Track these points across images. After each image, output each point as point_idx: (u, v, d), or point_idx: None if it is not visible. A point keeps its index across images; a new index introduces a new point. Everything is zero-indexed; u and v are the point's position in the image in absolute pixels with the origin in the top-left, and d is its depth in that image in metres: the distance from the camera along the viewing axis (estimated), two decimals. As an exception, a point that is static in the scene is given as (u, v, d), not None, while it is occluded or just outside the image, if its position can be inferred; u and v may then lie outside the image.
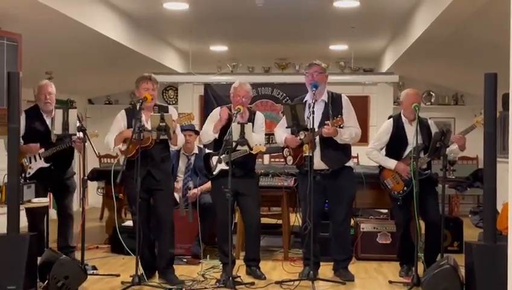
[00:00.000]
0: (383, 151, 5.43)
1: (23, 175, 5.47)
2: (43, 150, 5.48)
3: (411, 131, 5.14)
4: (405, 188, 5.18)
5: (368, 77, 9.98)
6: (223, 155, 4.88)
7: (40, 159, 5.50)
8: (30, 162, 5.52)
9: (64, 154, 5.50)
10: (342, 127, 4.96)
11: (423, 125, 5.24)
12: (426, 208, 5.15)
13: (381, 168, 5.42)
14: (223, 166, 4.94)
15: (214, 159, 5.04)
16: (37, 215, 5.47)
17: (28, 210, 5.34)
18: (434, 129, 5.26)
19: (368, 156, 5.47)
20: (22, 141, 5.48)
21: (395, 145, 5.32)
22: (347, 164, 5.18)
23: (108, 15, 6.77)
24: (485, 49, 6.64)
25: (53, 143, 5.44)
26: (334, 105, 5.11)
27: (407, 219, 5.28)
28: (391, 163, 5.28)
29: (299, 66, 10.56)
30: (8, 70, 4.86)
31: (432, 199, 5.20)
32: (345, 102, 5.18)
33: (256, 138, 5.02)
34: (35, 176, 5.47)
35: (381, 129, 5.52)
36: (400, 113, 5.40)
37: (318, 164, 5.01)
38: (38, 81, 7.15)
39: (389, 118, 5.60)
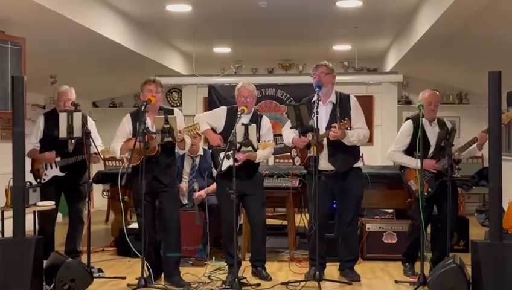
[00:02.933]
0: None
1: (38, 181, 5.52)
2: (59, 159, 5.51)
3: (431, 132, 5.13)
4: (429, 189, 5.13)
5: (372, 77, 9.97)
6: (231, 151, 4.89)
7: (56, 167, 5.53)
8: (46, 169, 5.56)
9: (79, 163, 5.53)
10: (349, 129, 4.94)
11: (443, 126, 5.21)
12: (444, 209, 5.08)
13: (404, 170, 5.36)
14: (230, 162, 4.91)
15: (222, 155, 4.98)
16: (46, 219, 5.51)
17: (38, 214, 5.37)
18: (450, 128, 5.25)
19: (392, 159, 5.41)
20: (38, 144, 5.54)
21: (415, 146, 5.07)
22: (355, 165, 5.17)
23: (111, 18, 6.79)
24: (489, 47, 6.62)
25: (70, 153, 5.47)
26: (342, 106, 5.09)
27: (427, 220, 5.23)
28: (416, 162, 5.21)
29: (302, 67, 10.57)
30: (13, 74, 4.87)
31: (453, 200, 5.04)
32: (354, 103, 5.15)
33: (262, 154, 5.09)
34: (49, 182, 5.51)
35: (401, 131, 5.44)
36: (419, 114, 5.34)
37: (325, 165, 5.01)
38: (43, 84, 7.21)
39: (406, 119, 5.50)
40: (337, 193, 5.13)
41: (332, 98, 5.13)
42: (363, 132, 5.09)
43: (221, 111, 5.30)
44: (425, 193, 5.16)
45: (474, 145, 5.14)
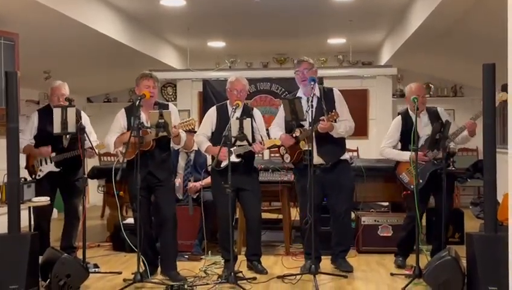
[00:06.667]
0: (398, 147, 5.44)
1: (33, 177, 5.51)
2: (54, 154, 5.49)
3: (420, 123, 5.16)
4: (420, 180, 5.16)
5: (367, 70, 9.97)
6: (234, 148, 4.89)
7: (51, 162, 5.52)
8: (41, 165, 5.54)
9: (74, 158, 5.51)
10: (336, 121, 4.99)
11: (433, 115, 5.25)
12: (441, 200, 5.10)
13: (396, 163, 5.43)
14: (232, 158, 4.90)
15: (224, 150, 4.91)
16: (41, 215, 5.49)
17: (33, 210, 5.36)
18: (444, 116, 5.29)
19: (382, 154, 5.50)
20: (33, 141, 5.53)
21: (407, 140, 5.19)
22: (343, 157, 5.22)
23: (105, 13, 6.77)
24: (483, 40, 6.63)
25: (65, 148, 5.46)
26: (326, 100, 5.13)
27: (422, 212, 5.27)
28: (406, 155, 5.23)
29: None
30: (6, 70, 4.85)
31: (448, 192, 5.08)
32: (337, 96, 5.21)
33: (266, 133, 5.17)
34: (44, 178, 5.50)
35: (391, 127, 5.53)
36: (407, 108, 5.42)
37: (315, 159, 5.03)
38: (37, 80, 7.18)
39: (398, 114, 5.61)
40: (327, 186, 5.15)
41: (316, 92, 5.14)
42: (349, 123, 5.17)
43: (211, 112, 5.31)
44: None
45: (466, 132, 5.16)
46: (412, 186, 5.25)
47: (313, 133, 4.97)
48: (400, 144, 5.45)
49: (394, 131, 5.45)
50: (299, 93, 5.17)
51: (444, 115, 5.32)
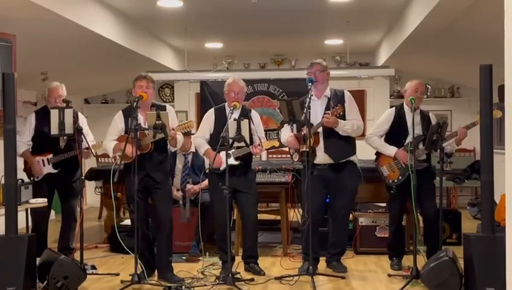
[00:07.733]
0: (382, 139, 5.45)
1: (31, 179, 5.51)
2: (51, 155, 5.50)
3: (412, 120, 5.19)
4: (400, 177, 5.21)
5: (364, 71, 9.95)
6: (233, 150, 4.89)
7: (49, 164, 5.52)
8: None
9: (71, 159, 5.51)
10: (343, 117, 4.99)
11: (424, 117, 5.27)
12: (421, 202, 5.15)
13: (378, 155, 5.45)
14: (231, 161, 4.90)
15: (222, 154, 4.89)
16: (39, 216, 5.48)
17: (31, 211, 5.35)
18: (434, 122, 5.29)
19: (368, 141, 5.47)
20: (31, 142, 5.53)
21: (396, 133, 5.34)
22: (351, 158, 5.19)
23: (103, 14, 6.76)
24: (480, 41, 6.64)
25: (61, 149, 5.47)
26: (336, 99, 5.15)
27: (402, 211, 5.31)
28: (391, 150, 5.29)
29: (295, 62, 10.56)
30: (3, 71, 4.84)
31: (429, 193, 5.20)
32: (348, 97, 5.22)
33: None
34: (42, 180, 5.51)
35: (382, 117, 5.53)
36: (403, 103, 5.41)
37: (322, 157, 5.04)
38: (34, 81, 7.17)
39: (392, 107, 5.62)
40: (331, 186, 5.15)
41: (327, 93, 5.19)
42: (357, 122, 5.15)
43: (209, 114, 5.31)
44: (395, 181, 5.23)
45: (453, 139, 5.19)
46: (389, 181, 5.28)
47: (321, 130, 5.01)
48: (385, 136, 5.45)
49: (385, 122, 5.44)
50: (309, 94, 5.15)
51: (434, 121, 5.32)
